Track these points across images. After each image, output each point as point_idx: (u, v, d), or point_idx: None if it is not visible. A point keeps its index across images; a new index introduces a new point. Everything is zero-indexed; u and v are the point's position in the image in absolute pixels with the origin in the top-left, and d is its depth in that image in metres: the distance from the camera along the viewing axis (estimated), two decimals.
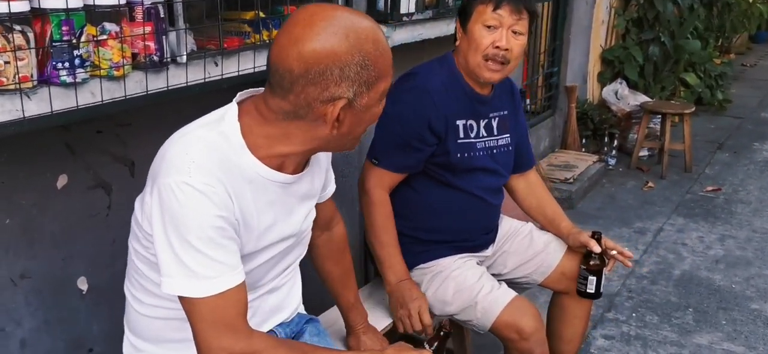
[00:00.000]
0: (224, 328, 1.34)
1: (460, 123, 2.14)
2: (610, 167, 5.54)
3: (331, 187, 1.78)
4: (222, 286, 1.34)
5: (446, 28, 3.18)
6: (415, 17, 2.96)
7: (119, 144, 2.06)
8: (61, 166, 1.91)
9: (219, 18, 2.03)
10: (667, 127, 5.40)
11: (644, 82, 6.22)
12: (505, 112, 2.28)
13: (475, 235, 2.26)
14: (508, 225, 2.45)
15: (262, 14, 2.19)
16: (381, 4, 2.80)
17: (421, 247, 2.22)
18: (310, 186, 1.59)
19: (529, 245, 2.38)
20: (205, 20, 2.07)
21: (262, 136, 1.41)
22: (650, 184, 5.21)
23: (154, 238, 1.36)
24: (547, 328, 2.48)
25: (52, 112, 1.60)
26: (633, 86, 6.12)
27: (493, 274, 2.41)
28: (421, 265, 2.22)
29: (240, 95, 1.48)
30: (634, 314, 3.34)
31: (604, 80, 6.20)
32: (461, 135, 2.14)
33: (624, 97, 5.99)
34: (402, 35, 2.89)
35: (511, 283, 2.40)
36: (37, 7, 1.56)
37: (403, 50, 2.86)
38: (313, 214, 1.65)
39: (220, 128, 1.40)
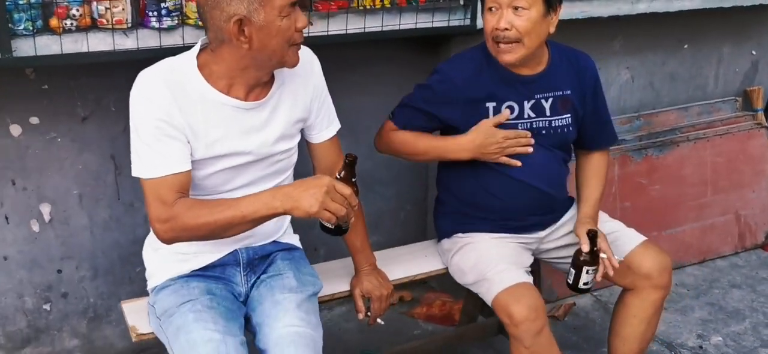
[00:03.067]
0: (159, 202, 1.72)
1: (490, 105, 2.17)
2: None
3: (328, 131, 2.04)
4: (161, 171, 1.72)
5: (618, 7, 3.02)
6: None
7: None
8: None
9: None
10: None
11: None
12: (567, 92, 2.23)
13: (519, 217, 2.27)
14: (575, 211, 2.37)
15: None
16: None
17: (464, 218, 2.31)
18: (277, 114, 1.87)
19: None
20: None
21: (213, 66, 1.79)
22: None
23: None
24: (610, 323, 2.41)
25: (138, 48, 2.14)
26: None
27: (548, 259, 2.40)
28: (459, 234, 2.31)
29: (205, 38, 1.83)
30: None
31: None
32: (491, 116, 2.17)
33: None
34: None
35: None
36: None
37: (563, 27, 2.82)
38: (289, 145, 1.93)
39: (178, 59, 1.80)
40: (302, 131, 2.02)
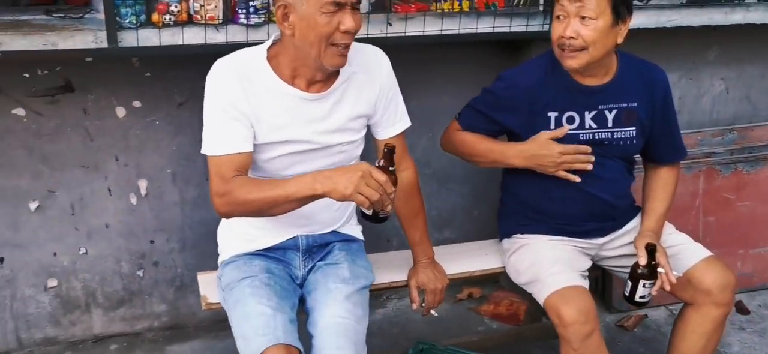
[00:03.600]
0: (219, 177, 1.88)
1: (551, 115, 2.20)
2: None
3: (393, 128, 2.13)
4: (223, 150, 1.88)
5: (709, 17, 2.95)
6: (658, 2, 2.86)
7: None
8: None
9: None
10: None
11: None
12: (633, 105, 2.24)
13: (576, 222, 2.29)
14: (640, 222, 2.37)
15: None
16: None
17: (523, 220, 2.36)
18: (339, 107, 1.99)
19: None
20: None
21: (280, 57, 1.93)
22: None
23: None
24: (669, 337, 2.40)
25: (227, 42, 2.34)
26: None
27: (609, 267, 2.42)
28: (517, 235, 2.37)
29: (278, 33, 1.97)
30: None
31: None
32: (553, 126, 2.20)
33: None
34: (638, 20, 2.82)
35: None
36: None
37: (643, 36, 2.80)
38: (350, 138, 2.03)
39: (251, 51, 1.97)
40: (369, 126, 2.13)
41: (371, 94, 2.05)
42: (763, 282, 3.38)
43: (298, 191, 1.81)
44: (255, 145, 1.94)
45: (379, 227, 2.92)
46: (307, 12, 1.81)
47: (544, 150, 2.19)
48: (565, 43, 2.10)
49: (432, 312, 2.30)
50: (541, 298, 2.18)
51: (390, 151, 1.83)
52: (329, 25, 1.82)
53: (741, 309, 3.20)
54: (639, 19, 2.82)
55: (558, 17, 2.13)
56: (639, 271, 2.17)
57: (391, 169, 1.82)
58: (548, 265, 2.21)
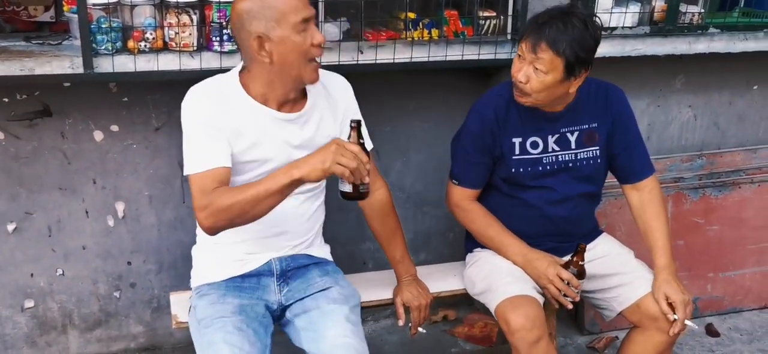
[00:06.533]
0: (201, 192, 1.91)
1: (516, 140, 2.29)
2: None
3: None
4: (204, 166, 1.93)
5: (674, 46, 3.04)
6: (622, 32, 2.95)
7: None
8: None
9: (361, 18, 2.58)
10: None
11: None
12: (594, 125, 2.32)
13: (537, 242, 2.36)
14: (606, 247, 2.45)
15: (411, 15, 2.64)
16: None
17: None
18: (311, 128, 2.07)
19: (616, 272, 2.36)
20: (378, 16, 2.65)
21: (250, 84, 2.01)
22: None
23: None
24: None
25: (201, 68, 2.41)
26: None
27: None
28: (478, 249, 2.46)
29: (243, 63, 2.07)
30: None
31: None
32: (517, 152, 2.29)
33: None
34: (603, 49, 2.90)
35: (595, 306, 2.46)
36: None
37: (609, 64, 2.89)
38: None
39: (222, 76, 2.07)
40: None
41: (337, 115, 2.14)
42: (734, 305, 3.44)
43: (277, 182, 1.85)
44: (233, 165, 1.98)
45: (355, 250, 3.01)
46: (282, 35, 1.90)
47: (545, 262, 2.27)
48: (516, 83, 2.19)
49: (420, 329, 2.35)
50: (492, 306, 2.27)
51: (357, 125, 1.90)
52: (304, 42, 1.93)
53: (711, 332, 3.26)
54: (604, 48, 2.90)
55: (519, 56, 2.20)
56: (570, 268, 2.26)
57: (360, 141, 1.90)
58: (502, 277, 2.30)
